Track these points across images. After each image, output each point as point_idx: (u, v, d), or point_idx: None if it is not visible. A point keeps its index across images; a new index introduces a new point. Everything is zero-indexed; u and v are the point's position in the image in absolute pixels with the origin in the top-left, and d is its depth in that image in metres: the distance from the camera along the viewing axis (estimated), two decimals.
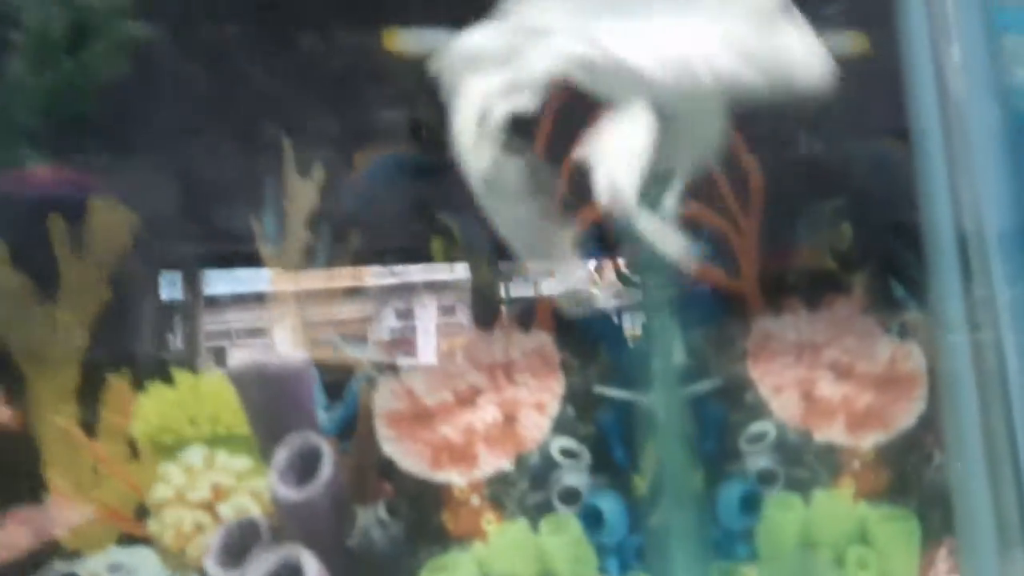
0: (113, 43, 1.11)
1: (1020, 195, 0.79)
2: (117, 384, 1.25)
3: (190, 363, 1.29)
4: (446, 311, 1.38)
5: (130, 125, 1.25)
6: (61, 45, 1.08)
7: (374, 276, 1.33)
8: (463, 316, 1.37)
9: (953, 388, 0.83)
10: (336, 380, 1.34)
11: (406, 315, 1.36)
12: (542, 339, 1.44)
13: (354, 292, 1.35)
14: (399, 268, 1.35)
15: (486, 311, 1.42)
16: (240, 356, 1.30)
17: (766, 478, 1.41)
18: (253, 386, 1.29)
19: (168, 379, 1.26)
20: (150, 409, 1.25)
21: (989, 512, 0.82)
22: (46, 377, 1.22)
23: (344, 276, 1.34)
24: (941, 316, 0.89)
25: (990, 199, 0.78)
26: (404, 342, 1.34)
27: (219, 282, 1.32)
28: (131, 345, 1.28)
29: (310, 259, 1.33)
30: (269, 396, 1.30)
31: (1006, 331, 0.78)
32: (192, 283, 1.30)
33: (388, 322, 1.35)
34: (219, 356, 1.28)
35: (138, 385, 1.26)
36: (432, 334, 1.37)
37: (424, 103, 1.39)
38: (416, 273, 1.38)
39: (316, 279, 1.33)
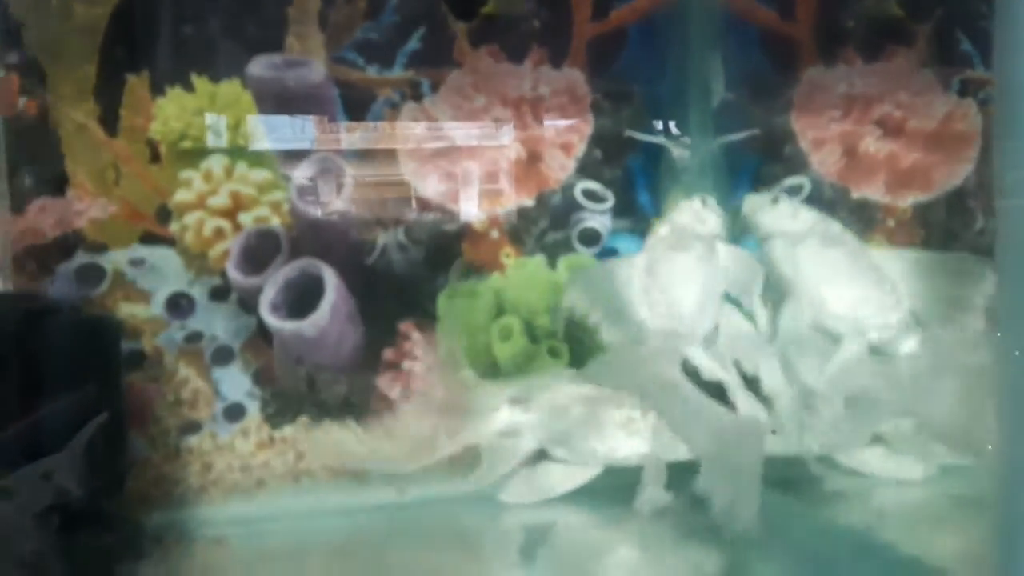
0: None
1: None
2: (136, 85, 1.23)
3: (210, 69, 1.27)
4: (489, 177, 1.32)
5: None
6: None
7: (419, 140, 1.29)
8: (505, 183, 1.32)
9: None
10: (358, 101, 1.30)
11: (449, 178, 1.30)
12: (574, 76, 1.37)
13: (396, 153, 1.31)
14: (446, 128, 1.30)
15: (516, 42, 1.34)
16: (259, 64, 1.25)
17: None
18: (272, 100, 1.27)
19: (188, 85, 1.24)
20: (170, 113, 1.23)
21: None
22: (64, 71, 1.20)
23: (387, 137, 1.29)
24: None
25: None
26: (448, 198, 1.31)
27: None
28: (150, 46, 1.24)
29: None
30: (289, 111, 1.28)
31: None
32: None
33: (432, 184, 1.30)
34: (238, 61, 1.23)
35: (157, 89, 1.24)
36: (474, 199, 1.32)
37: None
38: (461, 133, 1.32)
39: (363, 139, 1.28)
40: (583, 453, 1.20)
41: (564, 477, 1.20)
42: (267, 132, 1.26)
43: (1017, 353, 0.66)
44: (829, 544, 1.04)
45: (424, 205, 1.32)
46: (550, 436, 1.21)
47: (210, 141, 1.24)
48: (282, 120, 1.27)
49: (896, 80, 1.35)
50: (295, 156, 1.28)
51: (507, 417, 1.23)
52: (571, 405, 1.21)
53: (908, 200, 1.35)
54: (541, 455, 1.25)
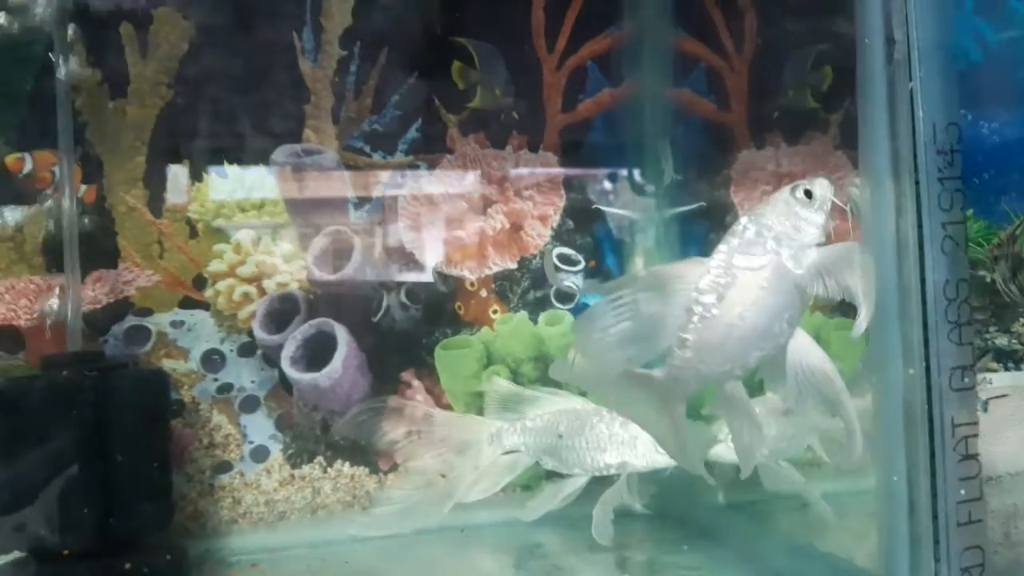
0: None
1: None
2: (178, 172, 1.43)
3: (240, 158, 1.48)
4: (478, 245, 1.57)
5: None
6: None
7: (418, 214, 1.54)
8: (492, 249, 1.57)
9: None
10: (366, 182, 1.52)
11: (444, 246, 1.54)
12: (548, 158, 1.61)
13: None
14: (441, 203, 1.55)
15: (498, 130, 1.58)
16: (281, 152, 1.47)
17: None
18: (292, 182, 1.48)
19: (221, 171, 1.44)
20: (206, 196, 1.44)
21: None
22: (118, 162, 1.40)
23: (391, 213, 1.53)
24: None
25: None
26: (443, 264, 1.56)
27: None
28: (190, 140, 1.45)
29: (342, 73, 1.48)
30: (307, 192, 1.49)
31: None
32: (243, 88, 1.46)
33: (429, 252, 1.54)
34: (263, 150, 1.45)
35: (196, 175, 1.44)
36: (466, 263, 1.56)
37: None
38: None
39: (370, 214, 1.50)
40: (573, 464, 1.34)
41: (560, 488, 1.36)
42: (288, 209, 1.48)
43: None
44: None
45: (422, 270, 1.53)
46: (543, 450, 1.35)
47: (239, 218, 1.45)
48: (301, 199, 1.49)
49: (814, 160, 1.61)
50: (312, 229, 1.49)
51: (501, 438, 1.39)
52: (559, 419, 1.35)
53: None
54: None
